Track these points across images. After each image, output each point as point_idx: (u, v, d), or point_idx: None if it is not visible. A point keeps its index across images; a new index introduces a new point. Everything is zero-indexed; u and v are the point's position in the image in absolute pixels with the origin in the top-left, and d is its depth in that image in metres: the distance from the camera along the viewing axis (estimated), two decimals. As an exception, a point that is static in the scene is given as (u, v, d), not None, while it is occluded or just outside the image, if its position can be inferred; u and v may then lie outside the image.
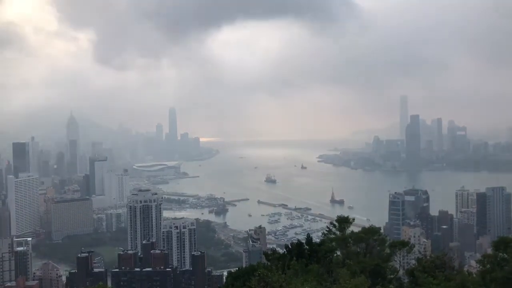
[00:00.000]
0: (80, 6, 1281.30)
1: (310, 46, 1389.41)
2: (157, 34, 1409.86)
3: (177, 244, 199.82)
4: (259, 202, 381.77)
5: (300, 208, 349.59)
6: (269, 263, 32.56)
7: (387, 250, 35.57)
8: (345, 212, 42.14)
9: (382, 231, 38.51)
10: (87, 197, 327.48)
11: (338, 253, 34.45)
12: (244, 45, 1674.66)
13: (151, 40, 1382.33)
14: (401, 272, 34.32)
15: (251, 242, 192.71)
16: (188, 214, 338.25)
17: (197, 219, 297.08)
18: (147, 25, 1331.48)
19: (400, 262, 35.60)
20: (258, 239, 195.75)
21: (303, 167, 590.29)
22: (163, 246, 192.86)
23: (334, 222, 36.51)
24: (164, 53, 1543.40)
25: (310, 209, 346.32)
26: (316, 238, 38.95)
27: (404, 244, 36.54)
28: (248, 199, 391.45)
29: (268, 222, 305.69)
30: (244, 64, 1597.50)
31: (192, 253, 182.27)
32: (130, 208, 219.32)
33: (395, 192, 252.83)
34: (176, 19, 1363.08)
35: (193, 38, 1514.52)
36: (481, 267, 29.75)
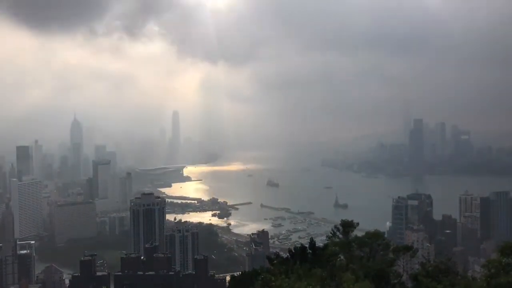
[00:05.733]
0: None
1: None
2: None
3: (180, 248, 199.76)
4: (262, 205, 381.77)
5: (303, 212, 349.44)
6: (272, 267, 32.50)
7: (391, 255, 35.45)
8: (348, 216, 41.98)
9: (385, 235, 38.35)
10: (91, 200, 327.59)
11: (342, 257, 34.34)
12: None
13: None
14: (404, 276, 34.19)
15: (254, 246, 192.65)
16: (191, 217, 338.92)
17: (200, 223, 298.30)
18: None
19: (403, 266, 35.47)
20: (261, 243, 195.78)
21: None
22: (166, 250, 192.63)
23: (338, 226, 36.46)
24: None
25: (313, 213, 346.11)
26: (320, 242, 38.83)
27: (408, 249, 36.44)
28: (251, 203, 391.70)
29: (271, 226, 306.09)
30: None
31: (195, 256, 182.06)
32: (133, 211, 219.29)
33: (398, 197, 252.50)
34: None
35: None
36: (485, 272, 29.60)
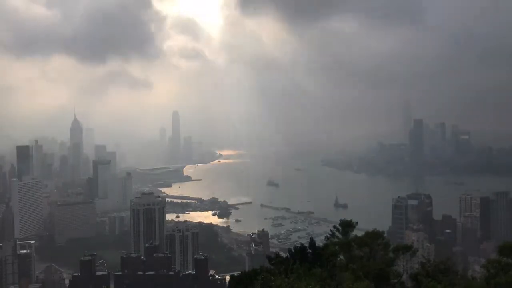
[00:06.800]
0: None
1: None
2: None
3: (180, 248, 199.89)
4: (262, 205, 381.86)
5: (303, 212, 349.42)
6: (272, 267, 32.47)
7: (391, 254, 35.42)
8: (348, 216, 41.93)
9: (385, 235, 38.30)
10: (91, 200, 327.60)
11: (342, 257, 34.33)
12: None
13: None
14: (404, 276, 34.19)
15: (254, 246, 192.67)
16: (191, 217, 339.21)
17: (200, 223, 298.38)
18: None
19: (403, 266, 35.47)
20: (261, 242, 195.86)
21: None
22: (166, 250, 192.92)
23: (338, 226, 36.41)
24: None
25: (313, 212, 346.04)
26: (320, 242, 38.79)
27: (407, 248, 36.39)
28: (251, 203, 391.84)
29: (271, 226, 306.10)
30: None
31: (195, 256, 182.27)
32: (133, 211, 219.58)
33: (398, 196, 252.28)
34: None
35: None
36: (485, 271, 29.65)
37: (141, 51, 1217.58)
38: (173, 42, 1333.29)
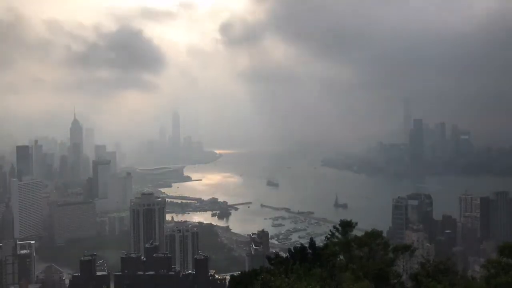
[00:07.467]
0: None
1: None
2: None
3: (180, 248, 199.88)
4: (262, 205, 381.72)
5: (303, 212, 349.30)
6: (272, 267, 32.47)
7: (390, 255, 35.38)
8: (348, 216, 41.86)
9: (385, 235, 38.27)
10: (90, 200, 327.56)
11: (341, 257, 34.31)
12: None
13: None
14: (404, 276, 34.16)
15: (253, 246, 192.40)
16: (191, 217, 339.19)
17: (200, 223, 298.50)
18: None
19: (403, 266, 35.43)
20: (261, 243, 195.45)
21: None
22: (166, 250, 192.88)
23: (337, 226, 36.37)
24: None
25: (313, 213, 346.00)
26: (320, 242, 38.80)
27: (407, 248, 36.36)
28: (251, 203, 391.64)
29: (271, 226, 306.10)
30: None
31: (195, 256, 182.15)
32: (133, 211, 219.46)
33: (398, 196, 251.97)
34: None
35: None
36: (485, 272, 29.63)
37: (144, 58, 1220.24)
38: (172, 54, 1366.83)
